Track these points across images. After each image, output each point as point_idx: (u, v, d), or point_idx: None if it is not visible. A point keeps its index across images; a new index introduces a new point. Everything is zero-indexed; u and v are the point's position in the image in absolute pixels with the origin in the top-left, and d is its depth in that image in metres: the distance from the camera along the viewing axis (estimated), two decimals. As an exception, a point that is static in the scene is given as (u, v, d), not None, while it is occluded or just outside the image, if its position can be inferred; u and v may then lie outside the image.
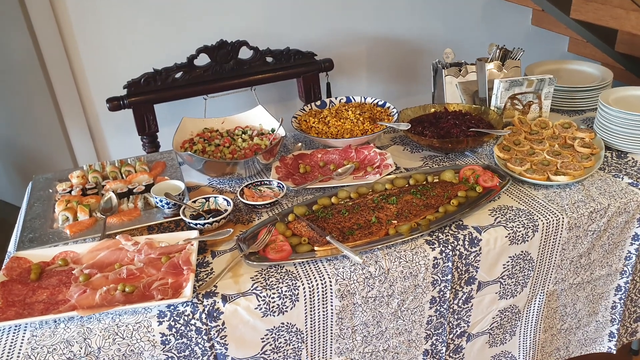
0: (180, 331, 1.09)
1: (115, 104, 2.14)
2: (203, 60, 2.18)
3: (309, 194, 1.49)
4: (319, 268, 1.20)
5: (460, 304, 1.33)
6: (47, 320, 1.08)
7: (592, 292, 1.49)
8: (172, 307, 1.11)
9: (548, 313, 1.46)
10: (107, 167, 1.66)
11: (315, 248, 1.24)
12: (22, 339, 1.05)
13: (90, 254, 1.29)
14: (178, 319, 1.09)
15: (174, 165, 1.66)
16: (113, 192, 1.51)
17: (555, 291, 1.44)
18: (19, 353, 1.02)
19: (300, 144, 1.73)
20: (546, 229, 1.32)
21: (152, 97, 2.16)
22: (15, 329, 1.07)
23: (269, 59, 2.24)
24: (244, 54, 2.22)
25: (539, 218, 1.32)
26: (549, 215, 1.33)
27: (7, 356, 1.02)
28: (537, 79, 1.66)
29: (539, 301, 1.43)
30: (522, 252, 1.32)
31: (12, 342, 1.05)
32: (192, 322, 1.10)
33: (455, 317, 1.35)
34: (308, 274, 1.18)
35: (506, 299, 1.39)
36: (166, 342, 1.09)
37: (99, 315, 1.09)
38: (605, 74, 1.87)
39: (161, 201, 1.41)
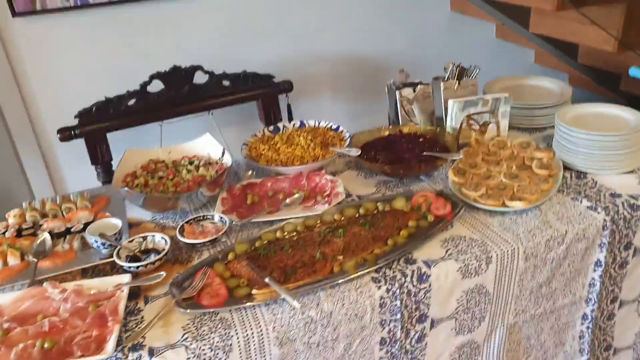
0: (99, 393, 1.00)
1: (66, 134, 2.06)
2: (157, 86, 2.11)
3: (256, 227, 1.41)
4: (256, 314, 1.11)
5: (413, 343, 1.25)
6: (-50, 388, 0.98)
7: (556, 322, 1.42)
8: (92, 364, 1.01)
9: (511, 346, 1.39)
10: (47, 204, 1.57)
11: (254, 291, 1.16)
12: None
13: (13, 305, 1.19)
14: (97, 378, 1.00)
15: (119, 200, 1.58)
16: (50, 231, 1.42)
17: (517, 323, 1.36)
18: None
19: (251, 172, 1.65)
20: (501, 260, 1.25)
21: (105, 126, 2.09)
22: None
23: (226, 83, 2.17)
24: (200, 78, 2.15)
25: (493, 249, 1.25)
26: (504, 245, 1.26)
27: None
28: (493, 98, 1.60)
29: (500, 334, 1.35)
30: (476, 285, 1.25)
31: None
32: (114, 381, 1.01)
33: (409, 356, 1.26)
34: (243, 321, 1.10)
35: (463, 334, 1.31)
36: (82, 406, 0.99)
37: (9, 380, 0.99)
38: (565, 89, 1.81)
39: (96, 242, 1.33)
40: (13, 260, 1.34)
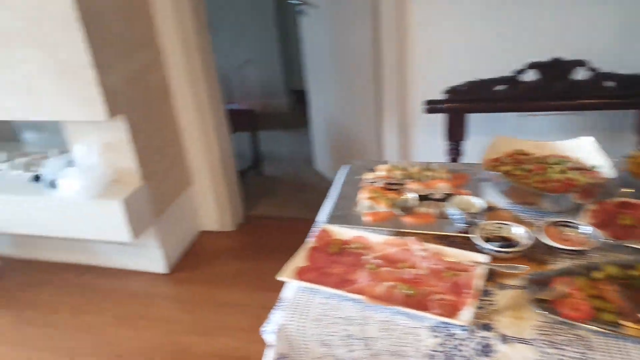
0: (448, 353, 1.07)
1: (432, 107, 2.24)
2: (529, 76, 2.05)
3: (627, 252, 1.24)
4: (623, 348, 0.99)
5: None
6: (337, 294, 1.21)
7: None
8: (445, 325, 1.10)
9: None
10: (411, 167, 1.75)
11: (624, 322, 1.03)
12: (315, 302, 1.21)
13: (381, 246, 1.38)
14: (448, 339, 1.08)
15: (476, 181, 1.63)
16: (413, 193, 1.59)
17: None
18: (309, 313, 1.19)
19: (630, 190, 1.45)
20: None
21: (469, 106, 2.17)
22: (312, 291, 1.24)
23: (609, 84, 1.95)
24: (580, 74, 1.99)
25: None
26: None
27: (305, 311, 1.20)
28: None
29: None
30: None
31: (308, 301, 1.22)
32: (462, 348, 1.06)
33: None
34: (608, 349, 1.00)
35: None
36: (431, 357, 1.09)
37: (378, 307, 1.16)
38: None
39: (456, 215, 1.41)
40: (382, 207, 1.55)
